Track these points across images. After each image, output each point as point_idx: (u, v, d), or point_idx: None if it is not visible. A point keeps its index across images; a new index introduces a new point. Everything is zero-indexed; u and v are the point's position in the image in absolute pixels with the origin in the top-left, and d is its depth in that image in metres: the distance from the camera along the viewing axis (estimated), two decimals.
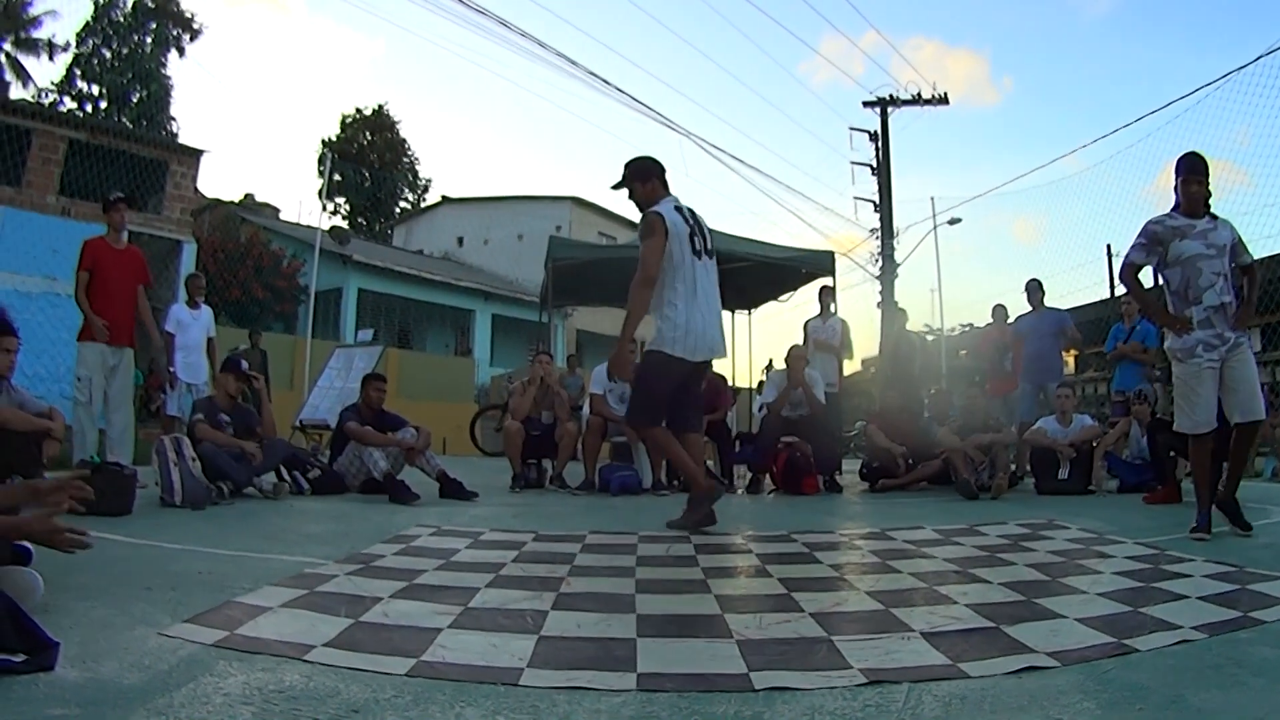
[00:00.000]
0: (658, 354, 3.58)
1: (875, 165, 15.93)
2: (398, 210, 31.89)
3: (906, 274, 20.28)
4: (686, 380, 3.66)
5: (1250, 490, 4.37)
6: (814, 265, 8.60)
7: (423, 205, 30.47)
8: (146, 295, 5.34)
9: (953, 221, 15.04)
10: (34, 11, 21.38)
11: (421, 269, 19.57)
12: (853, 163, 16.03)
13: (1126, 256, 3.57)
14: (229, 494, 4.29)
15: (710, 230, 3.78)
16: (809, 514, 4.55)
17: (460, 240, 24.90)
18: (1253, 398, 3.32)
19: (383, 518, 3.87)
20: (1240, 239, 3.48)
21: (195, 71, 62.53)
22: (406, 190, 32.96)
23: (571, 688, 1.40)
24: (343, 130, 31.47)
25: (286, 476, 4.81)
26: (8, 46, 21.26)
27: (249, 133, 59.28)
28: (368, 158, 30.52)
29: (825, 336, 7.12)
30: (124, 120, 20.73)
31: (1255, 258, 3.54)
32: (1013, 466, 6.27)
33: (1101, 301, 13.03)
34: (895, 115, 15.93)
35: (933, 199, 14.77)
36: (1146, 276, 3.64)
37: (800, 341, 7.13)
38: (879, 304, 15.17)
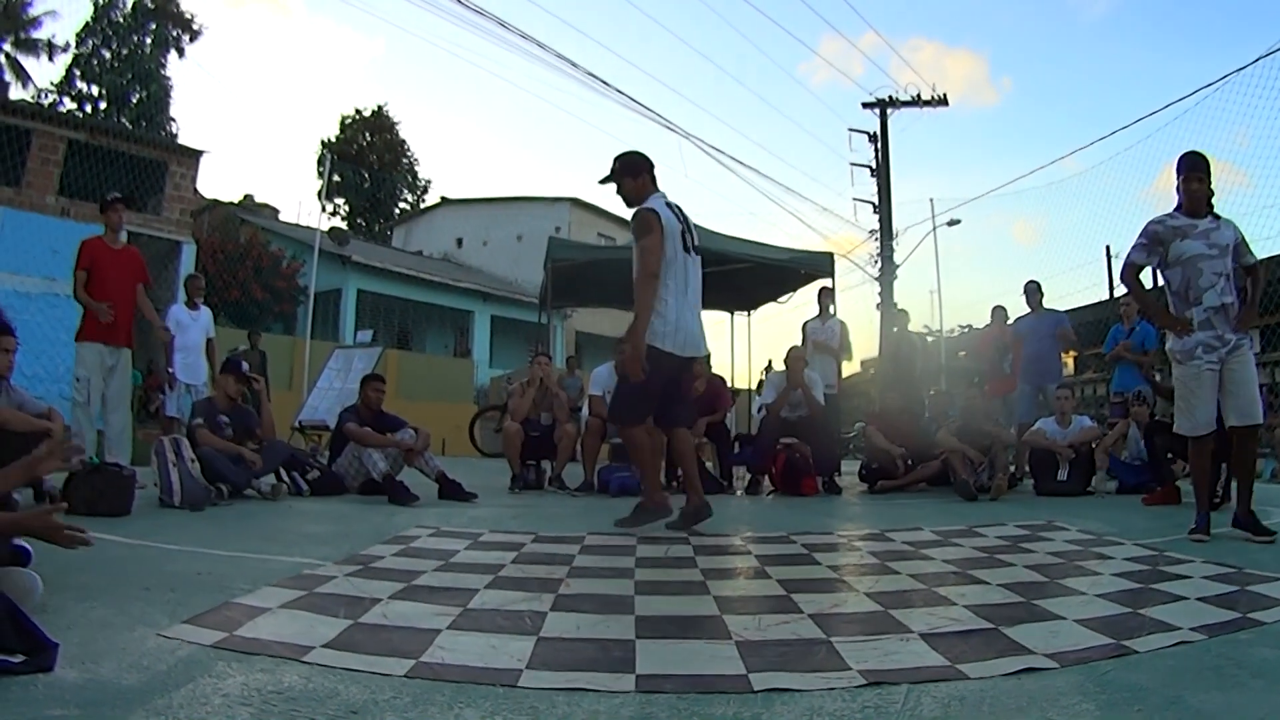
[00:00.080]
0: (649, 349, 3.57)
1: (874, 166, 15.93)
2: (397, 211, 31.86)
3: (906, 275, 20.33)
4: (675, 375, 3.67)
5: None
6: (813, 266, 8.59)
7: (422, 206, 30.44)
8: (146, 295, 5.34)
9: (952, 223, 15.08)
10: (34, 12, 21.39)
11: (421, 270, 19.54)
12: (852, 164, 16.05)
13: (1127, 257, 3.56)
14: (228, 495, 4.29)
15: (696, 227, 3.79)
16: (808, 515, 4.55)
17: (459, 241, 24.87)
18: (1251, 401, 3.31)
19: (382, 519, 3.87)
20: (1243, 238, 3.46)
21: (195, 72, 62.57)
22: (406, 191, 32.96)
23: (570, 689, 1.40)
24: (342, 131, 31.48)
25: (285, 477, 4.81)
26: (7, 47, 21.25)
27: (248, 133, 59.37)
28: (367, 158, 30.51)
29: (824, 338, 7.12)
30: (123, 121, 20.70)
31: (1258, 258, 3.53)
32: (1012, 468, 6.26)
33: (1101, 303, 13.03)
34: (894, 116, 15.96)
35: (932, 200, 14.81)
36: (1147, 277, 3.63)
37: (799, 343, 7.12)
38: (878, 305, 15.17)
